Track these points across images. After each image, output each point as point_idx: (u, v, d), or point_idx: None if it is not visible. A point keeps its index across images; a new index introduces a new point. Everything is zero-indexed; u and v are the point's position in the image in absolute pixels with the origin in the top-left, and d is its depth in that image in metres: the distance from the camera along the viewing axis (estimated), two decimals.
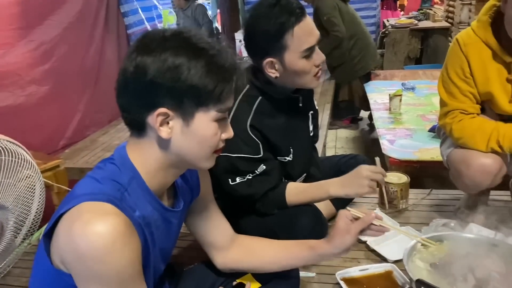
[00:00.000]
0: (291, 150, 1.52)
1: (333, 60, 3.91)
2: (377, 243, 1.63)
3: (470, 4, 5.14)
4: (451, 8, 6.06)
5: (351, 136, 4.13)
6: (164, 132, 0.85)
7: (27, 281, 0.98)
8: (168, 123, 0.85)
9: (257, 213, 1.49)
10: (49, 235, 0.85)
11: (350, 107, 4.19)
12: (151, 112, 0.83)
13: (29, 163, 1.48)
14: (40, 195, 1.54)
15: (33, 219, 1.57)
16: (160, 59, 0.82)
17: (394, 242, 1.58)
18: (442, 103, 1.62)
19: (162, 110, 0.83)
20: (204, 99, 0.84)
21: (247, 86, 1.43)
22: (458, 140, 1.56)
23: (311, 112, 1.65)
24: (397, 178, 1.90)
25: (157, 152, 0.89)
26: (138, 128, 0.88)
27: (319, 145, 2.75)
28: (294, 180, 1.57)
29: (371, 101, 3.37)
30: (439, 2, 8.76)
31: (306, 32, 1.34)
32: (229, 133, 0.93)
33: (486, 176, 1.49)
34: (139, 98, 0.84)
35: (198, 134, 0.87)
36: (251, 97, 1.43)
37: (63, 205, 0.84)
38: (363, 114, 4.38)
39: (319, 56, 1.39)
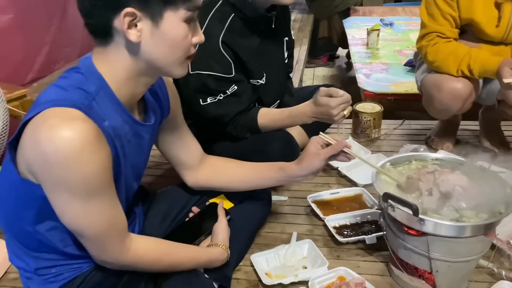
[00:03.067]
0: (264, 73, 1.49)
1: None
2: (348, 170, 1.67)
3: None
4: None
5: (328, 74, 4.10)
6: (132, 35, 0.81)
7: None
8: (136, 25, 0.81)
9: (229, 137, 1.48)
10: (14, 145, 0.82)
11: (328, 44, 4.14)
12: (117, 13, 0.79)
13: None
14: (4, 120, 1.48)
15: None
16: None
17: (365, 168, 1.61)
18: (422, 25, 1.63)
19: (129, 10, 0.78)
20: None
21: (220, 2, 1.37)
22: (432, 63, 1.57)
23: (286, 38, 1.61)
24: (370, 107, 1.91)
25: (125, 59, 0.85)
26: (104, 34, 0.83)
27: (295, 81, 2.74)
28: (267, 106, 1.56)
29: (349, 37, 3.33)
30: None
31: None
32: (200, 36, 0.89)
33: (456, 101, 1.52)
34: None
35: (169, 36, 0.83)
36: (223, 13, 1.38)
37: (28, 113, 0.81)
38: (341, 52, 4.33)
39: None
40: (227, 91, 1.39)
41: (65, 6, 3.11)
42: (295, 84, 2.69)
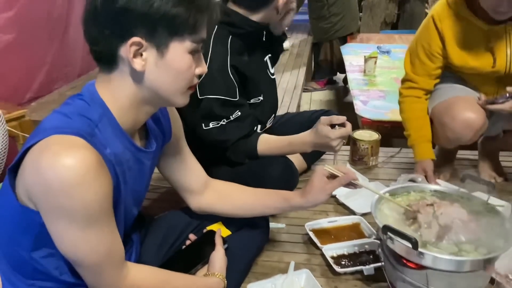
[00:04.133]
0: (262, 90, 1.53)
1: (312, 12, 3.98)
2: (346, 197, 1.67)
3: None
4: None
5: (325, 99, 4.14)
6: (138, 63, 0.81)
7: None
8: (141, 54, 0.82)
9: (227, 162, 1.49)
10: (15, 170, 0.82)
11: (328, 68, 4.21)
12: (123, 42, 0.80)
13: None
14: (3, 141, 1.48)
15: None
16: None
17: (363, 196, 1.61)
18: (404, 69, 1.72)
19: (136, 39, 0.79)
20: (178, 28, 0.81)
21: (215, 28, 1.41)
22: (400, 113, 1.74)
23: (269, 55, 1.65)
24: (368, 135, 1.93)
25: (129, 87, 0.85)
26: (109, 62, 0.84)
27: (293, 106, 2.76)
28: (265, 122, 1.59)
29: (346, 63, 3.38)
30: None
31: None
32: (203, 68, 0.90)
33: (468, 131, 1.54)
34: (110, 27, 0.80)
35: (173, 66, 0.84)
36: (223, 37, 1.42)
37: (30, 139, 0.81)
38: (338, 77, 4.39)
39: None
40: (230, 116, 1.41)
41: (66, 26, 3.15)
42: (293, 109, 2.72)
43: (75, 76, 3.21)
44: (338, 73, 4.26)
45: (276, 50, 1.68)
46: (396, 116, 2.36)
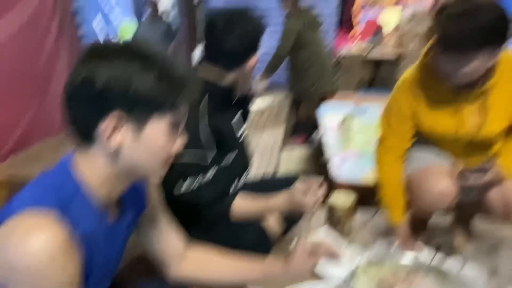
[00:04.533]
0: (234, 147, 1.56)
1: (291, 74, 4.15)
2: (323, 265, 1.65)
3: (417, 37, 5.46)
4: (400, 40, 6.39)
5: (304, 156, 4.19)
6: (114, 141, 0.83)
7: None
8: (118, 132, 0.83)
9: (203, 222, 1.47)
10: None
11: (307, 125, 4.31)
12: (100, 121, 0.81)
13: None
14: None
15: None
16: (111, 67, 0.80)
17: (339, 263, 1.60)
18: (380, 129, 1.79)
19: (113, 119, 0.81)
20: (156, 107, 0.83)
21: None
22: (376, 173, 1.81)
23: (241, 111, 1.70)
24: (344, 198, 1.95)
25: (105, 163, 0.86)
26: (86, 138, 0.85)
27: (271, 166, 2.79)
28: (240, 177, 1.61)
29: (323, 122, 3.46)
30: (390, 33, 9.18)
31: None
32: (181, 143, 0.92)
33: (442, 203, 1.57)
34: (88, 108, 0.81)
35: (150, 144, 0.85)
36: (200, 97, 1.46)
37: (0, 214, 0.79)
38: (316, 134, 4.47)
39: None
40: (204, 177, 1.41)
41: (48, 82, 3.18)
42: (272, 169, 2.75)
43: (54, 133, 3.19)
44: (316, 129, 4.36)
45: (246, 108, 1.75)
46: (371, 180, 2.41)
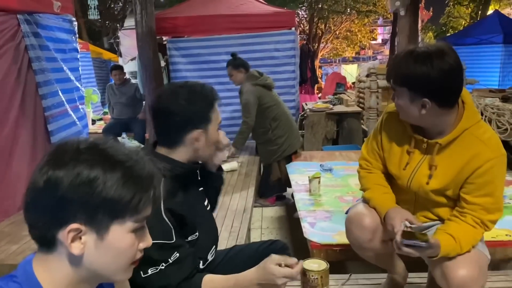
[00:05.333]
0: (199, 224, 1.52)
1: (257, 137, 4.25)
2: None
3: (377, 91, 5.72)
4: (361, 95, 6.70)
5: (276, 215, 4.18)
6: (76, 248, 0.80)
7: None
8: (80, 238, 0.80)
9: None
10: None
11: (278, 185, 4.33)
12: (62, 228, 0.79)
13: None
14: None
15: None
16: (73, 173, 0.78)
17: None
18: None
19: (74, 226, 0.79)
20: (120, 211, 0.81)
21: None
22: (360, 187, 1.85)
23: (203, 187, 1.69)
24: (317, 265, 1.93)
25: (67, 268, 0.83)
26: (47, 244, 0.82)
27: (243, 231, 2.75)
28: (206, 256, 1.56)
29: (292, 182, 3.49)
30: (352, 86, 9.65)
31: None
32: (148, 242, 0.90)
33: (363, 232, 1.71)
34: (49, 214, 0.79)
35: (114, 247, 0.83)
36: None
37: None
38: (287, 192, 4.49)
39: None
40: (169, 259, 1.38)
41: (9, 159, 3.11)
42: (243, 233, 2.71)
43: (16, 210, 3.07)
44: (287, 188, 4.38)
45: (213, 185, 1.73)
46: (343, 239, 2.40)
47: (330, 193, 3.17)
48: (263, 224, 3.99)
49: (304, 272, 1.89)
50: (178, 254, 1.40)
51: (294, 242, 3.44)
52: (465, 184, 1.54)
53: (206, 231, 1.59)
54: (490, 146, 1.50)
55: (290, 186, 4.20)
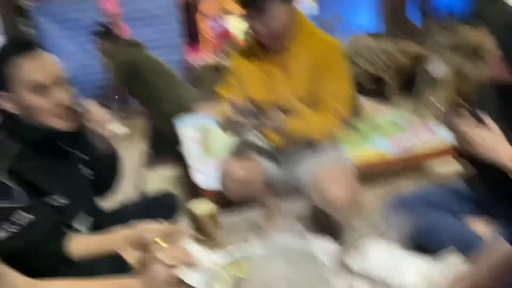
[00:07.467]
0: (66, 192, 1.43)
1: (143, 98, 4.07)
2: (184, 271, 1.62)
3: None
4: None
5: (174, 175, 4.10)
6: None
7: None
8: None
9: (44, 273, 1.31)
10: None
11: (172, 142, 4.21)
12: None
13: None
14: None
15: None
16: None
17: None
18: None
19: None
20: None
21: None
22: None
23: (84, 157, 1.61)
24: (203, 205, 1.94)
25: None
26: None
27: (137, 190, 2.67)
28: (71, 222, 1.47)
29: (183, 136, 3.44)
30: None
31: (35, 67, 1.33)
32: None
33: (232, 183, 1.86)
34: None
35: None
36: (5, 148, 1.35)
37: None
38: None
39: (61, 96, 1.37)
40: (22, 222, 1.28)
41: None
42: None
43: None
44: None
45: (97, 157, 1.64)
46: None
47: (220, 143, 3.15)
48: (162, 185, 3.90)
49: (191, 213, 1.90)
50: (33, 216, 1.31)
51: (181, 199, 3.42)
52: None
53: (72, 198, 1.47)
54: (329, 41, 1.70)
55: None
